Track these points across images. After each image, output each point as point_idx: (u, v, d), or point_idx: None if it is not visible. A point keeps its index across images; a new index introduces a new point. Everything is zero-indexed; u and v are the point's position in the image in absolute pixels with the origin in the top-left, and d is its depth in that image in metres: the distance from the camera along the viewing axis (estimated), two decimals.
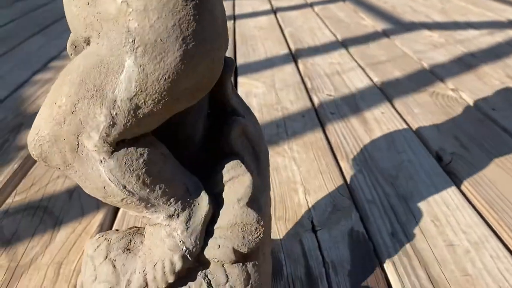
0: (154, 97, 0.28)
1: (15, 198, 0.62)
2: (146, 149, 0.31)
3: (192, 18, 0.27)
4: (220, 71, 0.32)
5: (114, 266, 0.35)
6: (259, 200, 0.35)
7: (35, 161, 0.71)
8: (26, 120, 0.85)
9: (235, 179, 0.34)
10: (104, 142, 0.30)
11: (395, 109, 0.91)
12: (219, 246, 0.33)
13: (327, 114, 0.88)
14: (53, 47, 1.29)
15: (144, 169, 0.31)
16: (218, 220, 0.34)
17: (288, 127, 0.83)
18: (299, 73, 1.10)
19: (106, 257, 0.35)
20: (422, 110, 0.89)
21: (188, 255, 0.33)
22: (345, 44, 1.33)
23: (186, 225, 0.33)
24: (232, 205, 0.34)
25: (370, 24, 1.56)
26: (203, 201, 0.34)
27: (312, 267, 0.51)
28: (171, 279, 0.33)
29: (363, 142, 0.77)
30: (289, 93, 0.98)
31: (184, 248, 0.33)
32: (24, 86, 1.01)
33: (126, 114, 0.29)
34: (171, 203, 0.33)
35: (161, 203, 0.33)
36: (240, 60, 1.19)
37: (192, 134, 0.36)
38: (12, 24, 1.55)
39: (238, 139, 0.36)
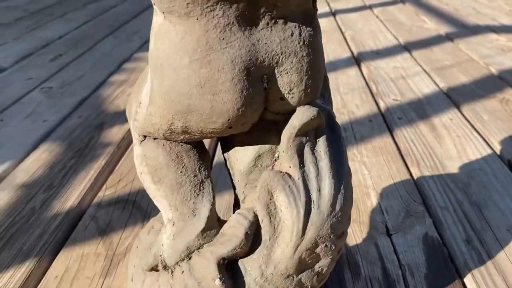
0: (161, 111, 0.32)
1: (106, 192, 0.68)
2: (157, 151, 0.35)
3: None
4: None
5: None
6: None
7: (120, 158, 0.77)
8: (107, 119, 0.91)
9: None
10: (135, 129, 0.35)
11: (463, 115, 0.90)
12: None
13: (395, 119, 0.89)
14: (124, 49, 1.36)
15: (152, 167, 0.35)
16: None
17: (356, 131, 0.85)
18: (363, 77, 1.12)
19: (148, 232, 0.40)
20: (492, 117, 0.88)
21: (163, 261, 0.36)
22: (408, 48, 1.33)
23: (172, 237, 0.35)
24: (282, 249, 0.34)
25: (433, 27, 1.54)
26: (198, 226, 0.35)
27: (389, 269, 0.53)
28: (145, 268, 0.37)
29: (432, 148, 0.78)
30: (354, 97, 1.00)
31: (161, 255, 0.36)
32: (102, 86, 1.08)
33: (144, 116, 0.34)
34: (171, 208, 0.36)
35: (165, 205, 0.36)
36: None
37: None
38: (85, 26, 1.64)
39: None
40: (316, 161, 0.34)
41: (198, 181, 0.35)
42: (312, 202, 0.33)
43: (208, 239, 0.35)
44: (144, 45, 1.39)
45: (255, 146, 0.35)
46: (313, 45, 0.32)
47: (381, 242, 0.57)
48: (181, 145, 0.35)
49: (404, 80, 1.08)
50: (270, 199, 0.33)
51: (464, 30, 1.49)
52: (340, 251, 0.36)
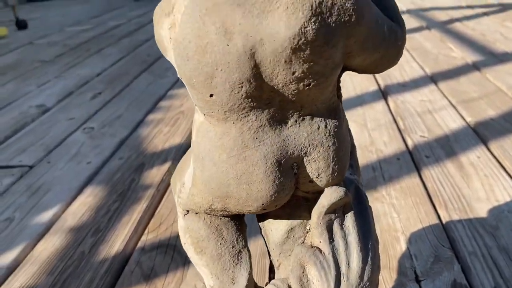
0: (202, 194, 0.36)
1: (148, 236, 0.73)
2: (198, 225, 0.39)
3: None
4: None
5: None
6: None
7: (160, 200, 0.82)
8: (146, 159, 0.97)
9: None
10: (179, 205, 0.40)
11: (491, 152, 0.92)
12: None
13: (422, 158, 0.91)
14: (160, 86, 1.43)
15: (194, 239, 0.39)
16: None
17: (384, 171, 0.87)
18: (390, 111, 1.14)
19: None
20: None
21: None
22: (434, 79, 1.35)
23: None
24: None
25: (459, 55, 1.55)
26: None
27: None
28: None
29: (460, 189, 0.80)
30: (382, 134, 1.02)
31: None
32: (140, 126, 1.14)
33: (187, 195, 0.38)
34: (212, 277, 0.39)
35: (207, 273, 0.40)
36: None
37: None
38: (121, 62, 1.73)
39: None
40: (345, 235, 0.37)
41: (236, 251, 0.39)
42: (341, 275, 0.36)
43: None
44: (176, 82, 1.45)
45: (287, 220, 0.39)
46: (338, 135, 0.35)
47: None
48: (221, 219, 0.39)
49: (431, 115, 1.10)
50: (303, 273, 0.37)
51: (492, 57, 1.50)
52: None
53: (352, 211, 0.38)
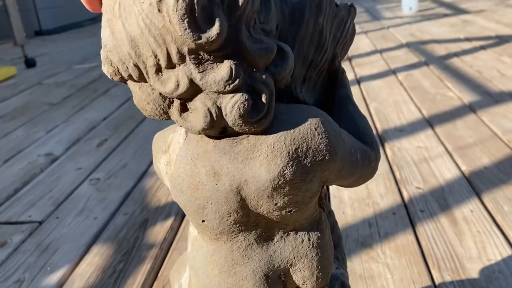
0: None
1: None
2: None
3: None
4: None
5: None
6: None
7: (162, 261, 0.85)
8: (150, 215, 1.00)
9: None
10: None
11: (484, 205, 0.94)
12: None
13: (417, 212, 0.94)
14: None
15: None
16: None
17: (380, 227, 0.90)
18: (387, 160, 1.17)
19: None
20: None
21: None
22: (431, 122, 1.38)
23: None
24: None
25: (456, 95, 1.59)
26: None
27: None
28: None
29: (453, 247, 0.82)
30: (379, 185, 1.06)
31: None
32: (144, 176, 1.18)
33: None
34: None
35: None
36: None
37: None
38: (126, 104, 1.78)
39: None
40: None
41: None
42: None
43: None
44: None
45: None
46: (321, 245, 0.39)
47: None
48: None
49: (427, 163, 1.13)
50: None
51: (488, 98, 1.53)
52: None
53: None
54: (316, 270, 0.39)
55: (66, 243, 0.92)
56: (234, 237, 0.36)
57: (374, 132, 1.35)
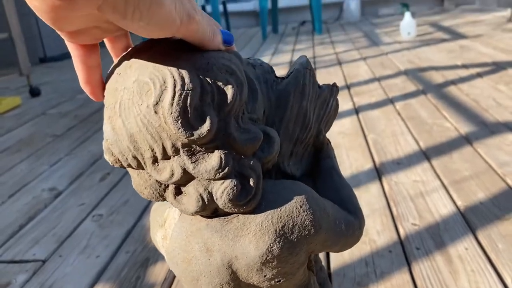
0: None
1: None
2: None
3: None
4: None
5: None
6: None
7: None
8: (151, 254, 1.02)
9: None
10: None
11: (478, 243, 0.96)
12: None
13: (413, 250, 0.95)
14: None
15: None
16: None
17: (377, 266, 0.92)
18: (384, 195, 1.20)
19: None
20: (506, 246, 0.94)
21: None
22: (428, 154, 1.40)
23: None
24: None
25: (453, 125, 1.62)
26: None
27: None
28: None
29: (448, 286, 0.84)
30: (375, 221, 1.07)
31: None
32: (145, 213, 1.20)
33: None
34: None
35: None
36: None
37: None
38: None
39: None
40: None
41: None
42: None
43: None
44: None
45: None
46: None
47: None
48: None
49: (423, 198, 1.15)
50: None
51: (484, 128, 1.56)
52: None
53: None
54: None
55: (69, 283, 0.94)
56: None
57: (371, 165, 1.37)
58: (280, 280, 0.38)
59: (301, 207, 0.36)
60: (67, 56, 4.27)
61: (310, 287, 0.42)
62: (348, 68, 2.73)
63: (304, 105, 0.39)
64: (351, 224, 0.41)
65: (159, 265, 0.97)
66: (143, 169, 0.34)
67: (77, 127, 2.01)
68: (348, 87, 2.29)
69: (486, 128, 1.56)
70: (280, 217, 0.36)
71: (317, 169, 0.44)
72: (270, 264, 0.36)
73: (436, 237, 1.00)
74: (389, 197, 1.18)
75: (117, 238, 1.10)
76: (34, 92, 2.69)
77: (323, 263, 0.90)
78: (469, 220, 1.04)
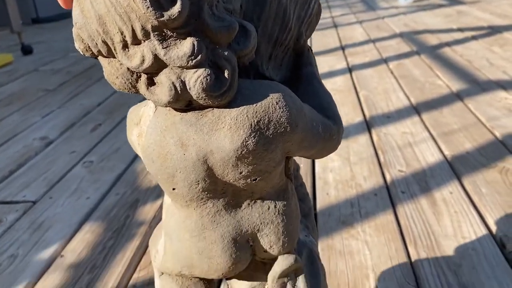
0: (172, 262, 0.43)
1: (140, 274, 0.79)
2: (171, 285, 0.45)
3: None
4: None
5: None
6: None
7: None
8: (141, 195, 1.03)
9: None
10: (154, 267, 0.45)
11: (463, 188, 0.98)
12: None
13: (398, 194, 0.97)
14: None
15: None
16: None
17: (362, 207, 0.93)
18: (373, 144, 1.20)
19: None
20: (490, 190, 0.96)
21: None
22: (418, 109, 1.41)
23: None
24: None
25: (445, 84, 1.62)
26: None
27: None
28: None
29: (431, 226, 0.86)
30: (363, 168, 1.09)
31: None
32: (137, 159, 1.21)
33: (160, 261, 0.44)
34: None
35: None
36: None
37: None
38: (116, 94, 1.80)
39: None
40: None
41: None
42: None
43: None
44: None
45: (249, 281, 0.45)
46: (287, 212, 0.42)
47: None
48: (191, 279, 0.45)
49: (411, 148, 1.17)
50: None
51: (475, 86, 1.56)
52: None
53: (303, 275, 0.44)
54: (282, 235, 0.42)
55: (58, 222, 0.96)
56: (204, 204, 0.39)
57: (361, 118, 1.38)
58: (256, 179, 0.38)
59: (277, 103, 0.36)
60: (59, 17, 4.20)
61: (288, 193, 0.43)
62: (343, 31, 2.71)
63: (284, 2, 0.38)
64: (328, 127, 0.41)
65: (148, 206, 0.99)
66: (114, 56, 0.34)
67: (70, 82, 1.99)
68: (342, 48, 2.28)
69: (478, 86, 1.56)
70: (256, 112, 0.36)
71: (297, 75, 0.44)
72: (246, 160, 0.36)
73: (422, 182, 1.01)
74: (377, 146, 1.19)
75: (107, 182, 1.11)
76: (26, 50, 2.65)
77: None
78: (455, 168, 1.06)
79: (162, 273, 0.46)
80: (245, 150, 0.35)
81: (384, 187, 1.00)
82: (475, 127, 1.26)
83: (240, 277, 0.46)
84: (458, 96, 1.49)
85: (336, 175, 1.07)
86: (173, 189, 0.38)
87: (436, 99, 1.48)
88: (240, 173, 0.37)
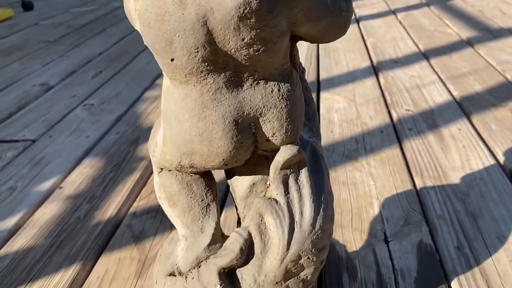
0: (171, 152, 0.41)
1: (140, 203, 0.78)
2: (171, 181, 0.43)
3: None
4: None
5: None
6: None
7: (152, 172, 0.87)
8: (142, 134, 1.01)
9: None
10: (154, 163, 0.44)
11: (472, 125, 0.95)
12: None
13: (405, 130, 0.94)
14: (157, 64, 1.47)
15: (168, 193, 0.44)
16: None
17: (367, 143, 0.91)
18: (379, 87, 1.17)
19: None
20: (500, 127, 0.93)
21: (178, 269, 0.44)
22: (427, 55, 1.37)
23: (185, 249, 0.44)
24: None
25: (455, 32, 1.57)
26: (205, 241, 0.43)
27: (383, 274, 0.59)
28: (164, 274, 0.46)
29: (438, 159, 0.83)
30: (369, 108, 1.06)
31: (176, 264, 0.44)
32: (138, 102, 1.19)
33: (159, 154, 0.42)
34: (184, 226, 0.44)
35: (179, 223, 0.44)
36: (323, 75, 1.28)
37: None
38: (122, 42, 1.77)
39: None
40: (299, 189, 0.41)
41: (205, 204, 0.44)
42: (295, 223, 0.41)
43: (213, 252, 0.43)
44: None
45: (250, 176, 0.43)
46: (291, 98, 0.39)
47: (379, 248, 0.63)
48: (191, 175, 0.43)
49: (419, 90, 1.13)
50: (261, 221, 0.41)
51: (487, 34, 1.51)
52: (323, 262, 0.44)
53: (306, 168, 0.42)
54: (285, 122, 0.39)
55: (58, 158, 0.94)
56: (204, 79, 0.37)
57: (369, 63, 1.34)
58: (259, 49, 0.36)
59: None
60: None
61: (292, 78, 0.40)
62: None
63: None
64: (337, 1, 0.38)
65: None
66: None
67: (71, 34, 1.95)
68: None
69: (490, 34, 1.51)
70: None
71: None
72: (248, 21, 0.33)
73: (430, 120, 0.98)
74: (384, 88, 1.16)
75: (107, 122, 1.09)
76: (27, 6, 2.60)
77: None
78: (464, 107, 1.03)
79: (162, 170, 0.44)
80: (248, 8, 0.33)
81: (391, 125, 0.98)
82: (486, 70, 1.22)
83: (241, 172, 0.44)
84: (468, 43, 1.44)
85: (341, 115, 1.04)
86: (172, 60, 0.36)
87: (446, 46, 1.43)
88: (243, 39, 0.34)
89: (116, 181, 0.84)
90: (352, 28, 1.72)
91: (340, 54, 1.43)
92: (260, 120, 0.39)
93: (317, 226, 0.41)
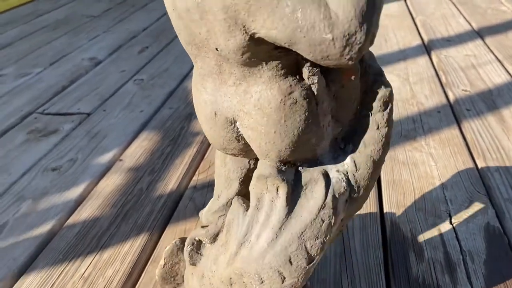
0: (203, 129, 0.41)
1: (199, 177, 0.79)
2: (217, 161, 0.46)
3: None
4: None
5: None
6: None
7: (208, 146, 0.88)
8: (194, 110, 1.02)
9: None
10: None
11: None
12: None
13: (463, 111, 0.92)
14: None
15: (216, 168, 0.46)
16: None
17: (424, 123, 0.90)
18: (433, 66, 1.14)
19: None
20: None
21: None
22: (481, 33, 1.32)
23: (209, 204, 0.48)
24: None
25: (510, 9, 1.51)
26: (215, 207, 0.46)
27: (450, 254, 0.59)
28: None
29: (500, 141, 0.81)
30: (423, 88, 1.04)
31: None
32: (186, 78, 1.19)
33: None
34: (214, 191, 0.47)
35: (216, 187, 0.46)
36: (373, 52, 1.25)
37: None
38: (164, 18, 1.77)
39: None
40: (269, 212, 0.38)
41: (230, 180, 0.45)
42: (248, 242, 0.38)
43: (213, 219, 0.46)
44: None
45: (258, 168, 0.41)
46: (270, 113, 0.34)
47: (444, 229, 0.63)
48: (228, 156, 0.44)
49: (475, 70, 1.10)
50: (232, 219, 0.41)
51: None
52: None
53: (287, 197, 0.37)
54: (260, 136, 0.36)
55: (114, 131, 0.96)
56: (195, 62, 0.37)
57: (420, 42, 1.31)
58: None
59: None
60: None
61: (283, 92, 0.34)
62: None
63: None
64: (313, 12, 0.28)
65: None
66: None
67: (114, 9, 1.97)
68: None
69: None
70: None
71: None
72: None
73: (488, 101, 0.96)
74: (437, 67, 1.13)
75: (159, 97, 1.10)
76: None
77: None
78: None
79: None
80: None
81: (448, 105, 0.96)
82: None
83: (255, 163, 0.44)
84: None
85: (395, 94, 1.02)
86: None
87: (501, 24, 1.38)
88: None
89: (174, 155, 0.85)
90: (399, 5, 1.67)
91: (389, 31, 1.40)
92: (237, 124, 0.37)
93: (267, 259, 0.37)
